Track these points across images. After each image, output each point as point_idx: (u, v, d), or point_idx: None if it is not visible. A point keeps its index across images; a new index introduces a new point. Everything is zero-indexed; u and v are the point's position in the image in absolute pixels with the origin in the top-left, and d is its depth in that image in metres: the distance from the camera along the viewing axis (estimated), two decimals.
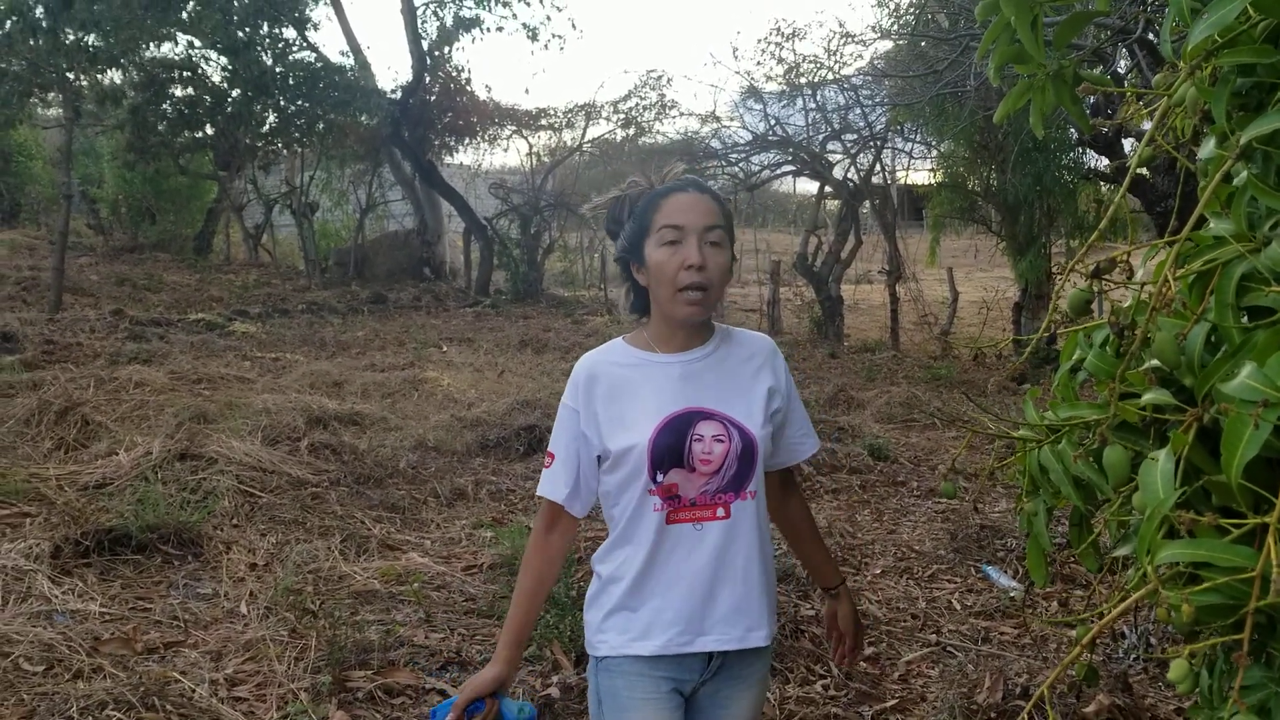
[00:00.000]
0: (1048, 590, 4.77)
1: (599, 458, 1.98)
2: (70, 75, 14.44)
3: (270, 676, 3.70)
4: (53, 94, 16.29)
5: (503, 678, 1.98)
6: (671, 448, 1.90)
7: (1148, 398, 1.30)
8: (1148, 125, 1.55)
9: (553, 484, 2.02)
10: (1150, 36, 6.14)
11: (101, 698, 3.22)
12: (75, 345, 10.59)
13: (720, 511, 1.92)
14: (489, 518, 5.87)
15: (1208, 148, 1.29)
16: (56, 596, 4.27)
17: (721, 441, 1.91)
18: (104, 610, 4.23)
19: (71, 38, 13.84)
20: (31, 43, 13.34)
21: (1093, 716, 3.22)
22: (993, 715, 3.34)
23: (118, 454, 6.10)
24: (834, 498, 6.51)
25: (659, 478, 1.91)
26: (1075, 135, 11.06)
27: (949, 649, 4.19)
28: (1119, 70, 9.32)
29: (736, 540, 1.93)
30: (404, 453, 7.05)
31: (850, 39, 14.44)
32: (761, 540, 1.98)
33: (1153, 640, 3.91)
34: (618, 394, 1.98)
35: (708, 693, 1.99)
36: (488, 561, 5.07)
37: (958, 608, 4.64)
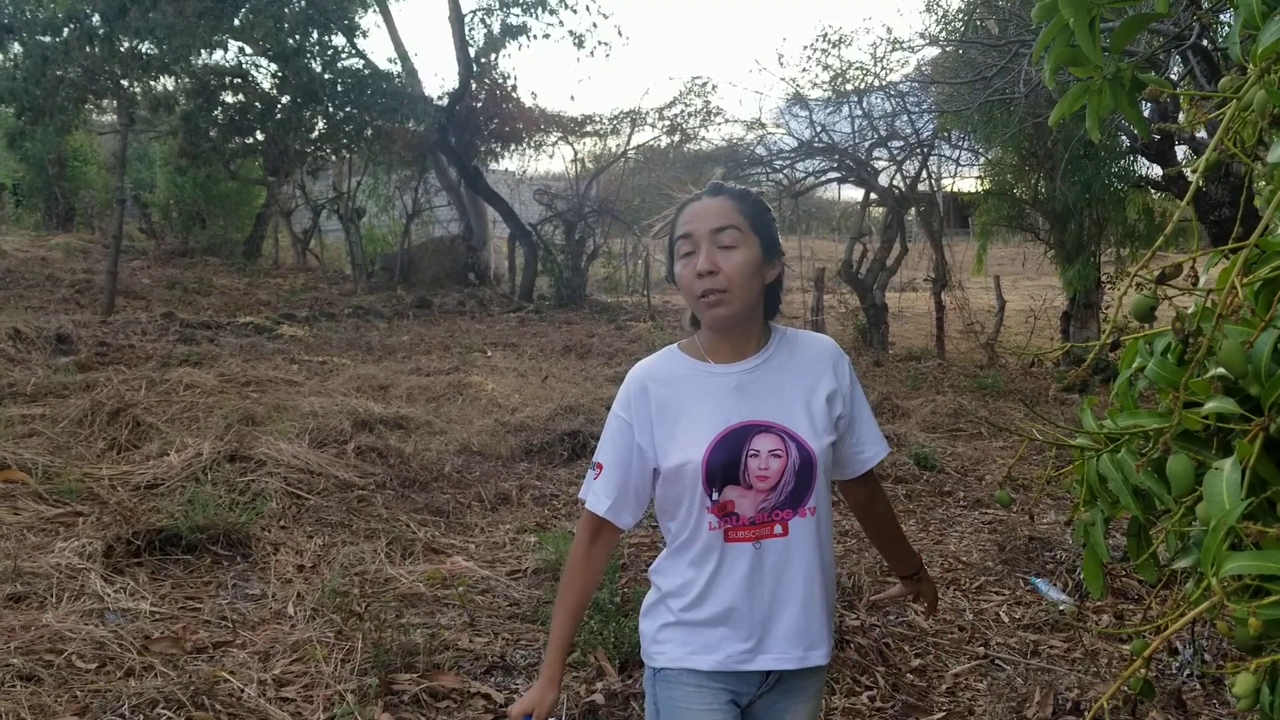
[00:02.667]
0: (1099, 603, 4.69)
1: (655, 470, 1.95)
2: (125, 82, 14.70)
3: (317, 678, 3.73)
4: (107, 100, 16.61)
5: (556, 697, 1.99)
6: (726, 465, 1.87)
7: (1212, 406, 1.28)
8: (1203, 133, 1.52)
9: (596, 495, 2.00)
10: (1205, 43, 6.03)
11: (152, 696, 3.26)
12: (127, 347, 10.76)
13: (778, 529, 1.89)
14: (533, 523, 5.89)
15: (1277, 152, 1.26)
16: (109, 595, 4.33)
17: (779, 457, 1.87)
18: (154, 609, 4.29)
19: (126, 45, 14.10)
20: (88, 50, 13.60)
21: None
22: None
23: (169, 455, 6.19)
24: None
25: (715, 495, 1.88)
26: (1126, 142, 10.90)
27: (997, 662, 4.13)
28: (1172, 77, 9.18)
29: (795, 559, 1.90)
30: (449, 457, 7.09)
31: (897, 45, 14.29)
32: (822, 558, 1.94)
33: (1207, 656, 3.83)
34: (671, 406, 1.94)
35: (764, 705, 1.98)
36: (531, 566, 5.08)
37: (1006, 620, 4.58)
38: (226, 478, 5.87)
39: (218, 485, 5.71)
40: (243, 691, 3.52)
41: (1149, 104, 7.59)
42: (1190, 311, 1.35)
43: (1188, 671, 3.77)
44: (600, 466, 2.00)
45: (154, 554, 4.83)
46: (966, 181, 16.47)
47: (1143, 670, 1.93)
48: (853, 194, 19.44)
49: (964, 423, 9.09)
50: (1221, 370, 1.30)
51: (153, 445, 6.50)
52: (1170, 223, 1.40)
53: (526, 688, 3.81)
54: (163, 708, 3.20)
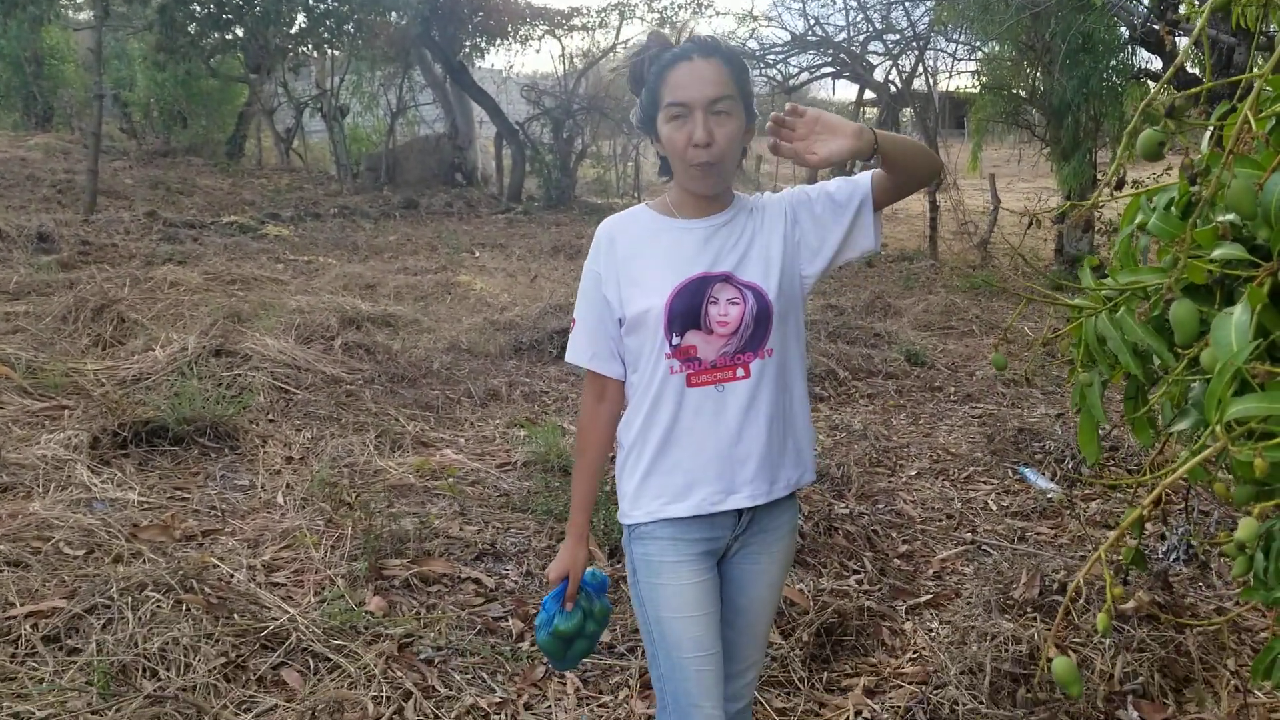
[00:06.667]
0: (1086, 493, 4.72)
1: (620, 320, 2.00)
2: None
3: (307, 564, 3.74)
4: None
5: (587, 552, 2.12)
6: (687, 311, 1.92)
7: (1220, 252, 1.23)
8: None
9: (576, 348, 2.06)
10: None
11: (140, 580, 3.26)
12: (110, 246, 10.62)
13: (740, 372, 1.94)
14: (523, 417, 5.87)
15: None
16: (95, 485, 4.32)
17: (736, 304, 1.93)
18: (142, 499, 4.28)
19: None
20: None
21: (1131, 613, 3.19)
22: (1029, 610, 3.31)
23: (154, 350, 6.13)
24: (869, 402, 6.46)
25: (674, 340, 1.93)
26: (1125, 34, 10.68)
27: (984, 548, 4.17)
28: None
29: (759, 399, 1.95)
30: (437, 354, 7.05)
31: None
32: (785, 396, 2.00)
33: (1193, 542, 3.86)
34: (636, 256, 1.99)
35: (740, 548, 2.05)
36: (521, 459, 5.08)
37: (994, 508, 4.61)
38: (212, 372, 5.82)
39: (204, 379, 5.67)
40: (232, 576, 3.53)
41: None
42: (1199, 156, 1.29)
43: (1174, 555, 3.81)
44: (575, 321, 2.07)
45: (140, 446, 4.81)
46: (962, 77, 16.20)
47: (1133, 539, 1.92)
48: (847, 94, 19.13)
49: (955, 321, 9.09)
50: (1230, 216, 1.25)
51: (137, 341, 6.43)
52: (1154, 95, 1.33)
53: (520, 573, 3.84)
54: (151, 590, 3.19)
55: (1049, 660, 1.28)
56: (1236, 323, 1.12)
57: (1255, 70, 1.34)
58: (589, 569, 2.15)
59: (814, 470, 2.12)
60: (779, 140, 1.84)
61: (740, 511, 1.99)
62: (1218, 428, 1.09)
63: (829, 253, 2.01)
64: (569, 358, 2.07)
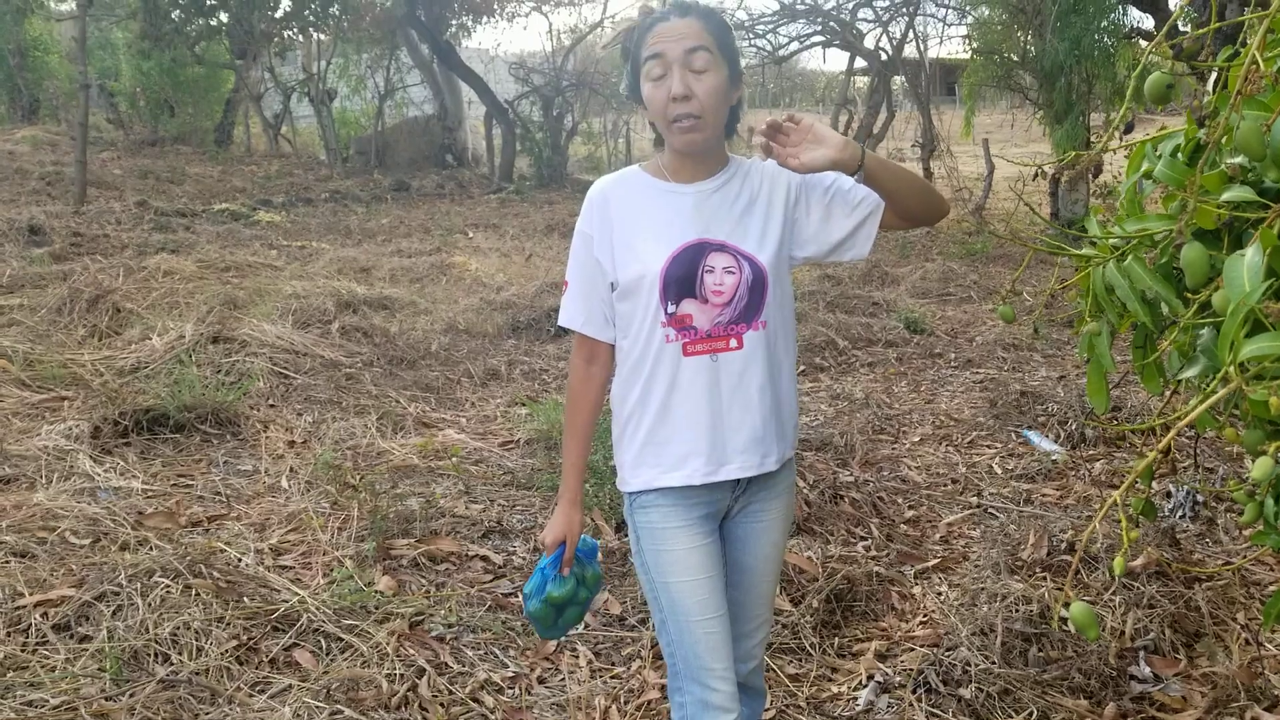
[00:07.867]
0: (1090, 453, 4.73)
1: (612, 285, 1.98)
2: None
3: (315, 546, 3.74)
4: None
5: (582, 516, 2.11)
6: (683, 278, 1.90)
7: (1229, 195, 1.22)
8: None
9: (569, 312, 2.04)
10: None
11: (149, 566, 3.26)
12: (102, 237, 10.56)
13: (734, 343, 1.92)
14: (523, 396, 5.87)
15: None
16: (99, 474, 4.31)
17: (732, 273, 1.90)
18: (146, 487, 4.27)
19: None
20: None
21: (1140, 570, 3.20)
22: (1038, 570, 3.32)
23: (151, 339, 6.12)
24: (870, 371, 6.45)
25: (670, 308, 1.90)
26: None
27: (990, 511, 4.17)
28: None
29: (751, 370, 1.94)
30: (435, 335, 7.04)
31: None
32: (775, 368, 1.98)
33: (1200, 497, 3.87)
34: (630, 221, 1.96)
35: (741, 509, 2.05)
36: (524, 437, 5.07)
37: (999, 472, 4.61)
38: (211, 359, 5.81)
39: (202, 366, 5.66)
40: (240, 560, 3.53)
41: None
42: (1208, 98, 1.28)
43: (1180, 513, 3.81)
44: (567, 284, 2.05)
45: (142, 434, 4.80)
46: (952, 42, 16.11)
47: (1141, 489, 1.92)
48: (837, 66, 19.04)
49: (953, 287, 9.08)
50: (1239, 159, 1.24)
51: (134, 330, 6.41)
52: (1153, 46, 1.31)
53: (527, 549, 3.84)
54: (160, 577, 3.19)
55: (1064, 605, 1.28)
56: (1249, 263, 1.11)
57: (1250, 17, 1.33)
58: (582, 536, 2.14)
59: (795, 445, 2.12)
60: (771, 143, 1.84)
61: (736, 480, 1.99)
62: (1231, 368, 1.08)
63: (826, 245, 1.99)
64: (562, 320, 2.05)
